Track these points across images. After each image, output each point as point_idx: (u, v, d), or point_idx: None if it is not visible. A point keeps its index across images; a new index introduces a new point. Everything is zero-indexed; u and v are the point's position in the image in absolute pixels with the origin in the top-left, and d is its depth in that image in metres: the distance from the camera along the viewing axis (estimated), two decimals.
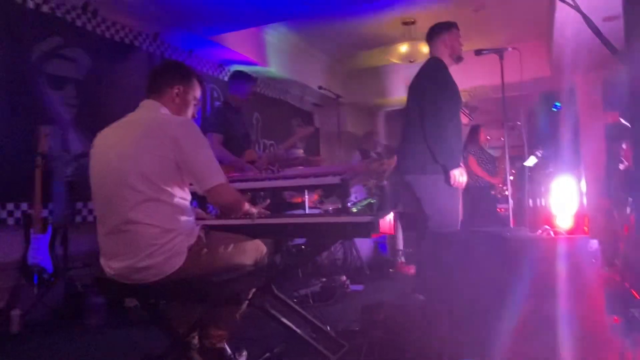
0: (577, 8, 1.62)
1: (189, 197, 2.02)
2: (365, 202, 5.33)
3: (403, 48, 5.97)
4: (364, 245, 5.27)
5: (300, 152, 5.32)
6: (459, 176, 3.09)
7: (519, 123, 5.28)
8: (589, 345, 1.67)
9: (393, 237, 5.43)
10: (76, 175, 3.91)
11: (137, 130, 1.95)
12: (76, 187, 3.89)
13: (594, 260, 1.67)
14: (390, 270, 5.08)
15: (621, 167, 4.58)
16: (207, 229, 2.07)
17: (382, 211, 2.27)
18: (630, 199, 3.61)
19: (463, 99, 3.75)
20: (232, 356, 2.21)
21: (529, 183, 5.18)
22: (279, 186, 2.65)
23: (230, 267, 2.01)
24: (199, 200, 2.67)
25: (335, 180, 2.31)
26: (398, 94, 7.46)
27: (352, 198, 5.38)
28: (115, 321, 3.31)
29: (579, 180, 5.83)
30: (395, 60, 6.32)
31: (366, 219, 1.99)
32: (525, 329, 1.65)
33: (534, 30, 6.13)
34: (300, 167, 3.56)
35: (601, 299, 1.68)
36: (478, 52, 3.59)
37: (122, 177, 1.87)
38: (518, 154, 5.65)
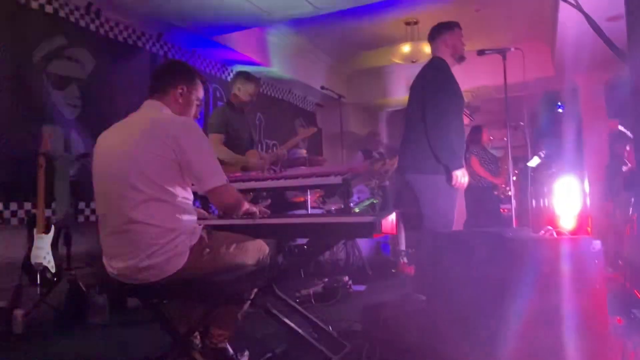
0: (579, 8, 1.62)
1: (191, 197, 2.02)
2: (367, 202, 5.33)
3: (406, 48, 5.97)
4: (366, 246, 5.27)
5: (303, 152, 5.33)
6: (461, 177, 3.09)
7: (522, 123, 5.28)
8: (591, 346, 1.67)
9: (395, 237, 5.43)
10: (79, 175, 3.93)
11: (139, 130, 1.95)
12: (79, 187, 3.91)
13: (596, 261, 1.66)
14: (393, 270, 5.08)
15: (624, 168, 4.57)
16: (209, 229, 2.08)
17: (383, 211, 2.27)
18: (632, 200, 3.60)
19: (465, 99, 3.75)
20: (234, 356, 2.21)
21: (531, 183, 5.17)
22: (281, 186, 2.65)
23: (232, 267, 2.02)
24: (201, 200, 2.68)
25: (336, 180, 2.31)
26: (400, 94, 7.46)
27: (355, 198, 5.38)
28: (118, 321, 3.32)
29: (582, 181, 5.82)
30: (397, 61, 6.32)
31: (368, 219, 1.99)
32: (527, 330, 1.65)
33: (537, 30, 6.12)
34: (303, 167, 3.56)
35: (603, 300, 1.68)
36: (481, 52, 3.58)
37: (124, 177, 1.87)
38: (521, 154, 5.64)
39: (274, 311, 2.24)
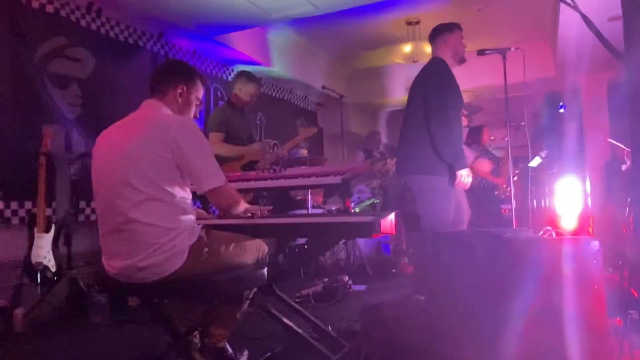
0: (576, 8, 1.61)
1: (189, 196, 2.02)
2: (368, 202, 5.33)
3: (407, 48, 5.96)
4: (366, 245, 5.27)
5: (303, 152, 5.33)
6: (466, 177, 3.08)
7: (523, 123, 5.27)
8: (590, 346, 1.66)
9: (396, 237, 5.42)
10: (80, 174, 3.93)
11: (138, 130, 1.95)
12: (80, 186, 3.91)
13: (594, 261, 1.66)
14: (393, 270, 5.07)
15: (623, 167, 4.57)
16: (209, 228, 2.08)
17: (383, 211, 2.27)
18: (629, 199, 3.60)
19: (467, 99, 3.75)
20: (233, 355, 2.21)
21: (532, 184, 5.16)
22: (280, 186, 2.65)
23: (231, 267, 2.02)
24: (201, 200, 2.69)
25: (336, 180, 2.32)
26: (401, 94, 7.45)
27: (355, 198, 5.38)
28: (118, 319, 3.33)
29: (584, 181, 5.81)
30: (399, 61, 6.32)
31: (367, 219, 1.99)
32: (525, 330, 1.65)
33: (539, 30, 6.11)
34: (303, 167, 3.56)
35: (602, 301, 1.68)
36: (481, 52, 3.58)
37: (123, 176, 1.88)
38: (522, 155, 5.63)
39: (274, 311, 2.25)
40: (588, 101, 6.49)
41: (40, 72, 3.84)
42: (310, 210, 4.20)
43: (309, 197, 4.09)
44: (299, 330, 2.29)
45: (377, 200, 5.36)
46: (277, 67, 6.27)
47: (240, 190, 2.37)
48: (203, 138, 2.01)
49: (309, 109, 7.88)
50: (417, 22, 5.94)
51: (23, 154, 3.59)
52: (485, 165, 5.17)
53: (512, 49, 3.56)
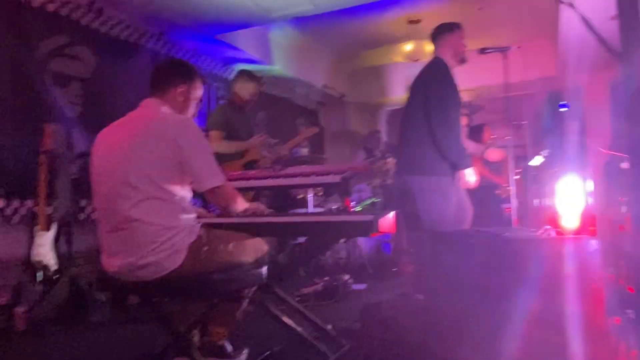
0: (575, 9, 1.61)
1: (189, 195, 2.02)
2: (369, 201, 5.32)
3: (408, 47, 5.96)
4: (367, 245, 5.27)
5: (305, 151, 5.33)
6: (469, 176, 3.08)
7: (524, 122, 5.26)
8: (589, 346, 1.66)
9: (396, 236, 5.42)
10: (80, 173, 3.93)
11: (137, 129, 1.95)
12: (80, 185, 3.91)
13: (593, 260, 1.66)
14: (394, 269, 5.07)
15: (622, 165, 4.55)
16: (208, 227, 2.08)
17: (383, 210, 2.27)
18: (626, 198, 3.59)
19: (468, 98, 3.74)
20: (233, 354, 2.22)
21: (533, 183, 5.15)
22: (280, 185, 2.65)
23: (231, 265, 2.02)
24: (201, 198, 2.68)
25: (336, 179, 2.32)
26: (402, 93, 7.44)
27: (356, 197, 5.38)
28: (118, 318, 3.33)
29: (585, 180, 5.79)
30: (400, 59, 6.31)
31: (366, 218, 1.99)
32: (524, 329, 1.65)
33: (539, 29, 6.09)
34: (304, 166, 3.56)
35: (601, 300, 1.67)
36: (482, 51, 3.57)
37: (123, 175, 1.88)
38: (523, 154, 5.62)
39: (273, 309, 2.25)
40: (590, 100, 6.46)
41: (41, 71, 3.84)
42: (311, 210, 4.20)
43: (309, 196, 4.09)
44: (299, 329, 2.29)
45: (378, 200, 5.35)
46: (278, 65, 6.26)
47: (241, 189, 2.37)
48: (203, 137, 2.01)
49: (310, 107, 7.88)
50: (418, 21, 5.93)
51: (24, 152, 3.59)
52: (498, 154, 5.16)
53: (514, 48, 3.55)
